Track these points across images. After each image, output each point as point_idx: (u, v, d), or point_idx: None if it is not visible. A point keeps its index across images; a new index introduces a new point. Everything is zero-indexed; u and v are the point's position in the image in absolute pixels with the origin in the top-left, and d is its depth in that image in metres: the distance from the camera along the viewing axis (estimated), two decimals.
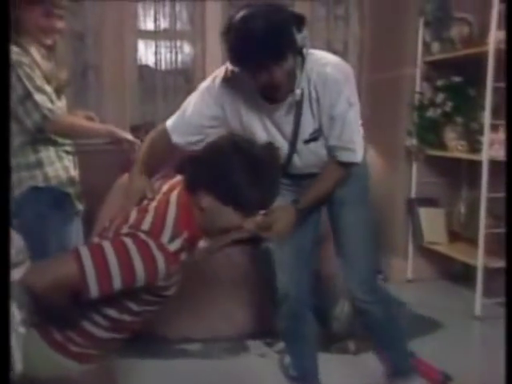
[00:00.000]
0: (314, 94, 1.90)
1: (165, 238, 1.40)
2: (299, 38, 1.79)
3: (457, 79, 3.71)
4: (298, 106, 1.91)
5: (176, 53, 4.44)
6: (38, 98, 2.14)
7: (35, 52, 2.20)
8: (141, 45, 4.41)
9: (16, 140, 2.18)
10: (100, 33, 4.16)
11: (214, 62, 4.34)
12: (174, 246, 1.41)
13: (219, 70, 2.04)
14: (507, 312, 1.56)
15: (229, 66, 1.94)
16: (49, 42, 2.25)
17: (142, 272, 1.34)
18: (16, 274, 2.05)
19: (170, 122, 2.06)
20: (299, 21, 1.81)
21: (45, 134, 2.21)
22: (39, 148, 2.23)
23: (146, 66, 4.40)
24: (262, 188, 1.45)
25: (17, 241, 2.67)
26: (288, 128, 1.96)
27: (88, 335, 1.51)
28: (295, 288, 2.24)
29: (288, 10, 1.88)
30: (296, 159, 2.04)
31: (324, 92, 1.89)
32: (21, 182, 2.21)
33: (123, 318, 1.50)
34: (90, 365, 1.58)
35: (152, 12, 4.36)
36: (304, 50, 1.88)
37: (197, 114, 2.00)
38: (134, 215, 1.50)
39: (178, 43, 4.45)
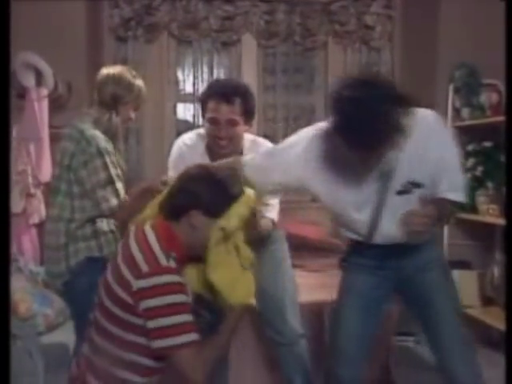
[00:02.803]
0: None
1: (163, 261, 1.57)
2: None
3: (487, 144, 3.77)
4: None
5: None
6: (119, 186, 2.32)
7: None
8: (180, 108, 4.61)
9: (83, 215, 2.33)
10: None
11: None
12: (172, 263, 1.58)
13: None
14: (507, 315, 1.57)
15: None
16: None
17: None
18: (57, 336, 2.16)
19: None
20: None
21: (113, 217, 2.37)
22: (96, 220, 2.37)
23: (185, 122, 4.57)
24: (228, 198, 1.72)
25: (57, 303, 2.81)
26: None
27: None
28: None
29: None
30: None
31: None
32: (77, 252, 2.33)
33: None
34: None
35: (191, 77, 4.56)
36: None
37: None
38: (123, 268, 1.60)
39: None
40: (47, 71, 3.52)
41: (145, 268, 1.56)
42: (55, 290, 2.93)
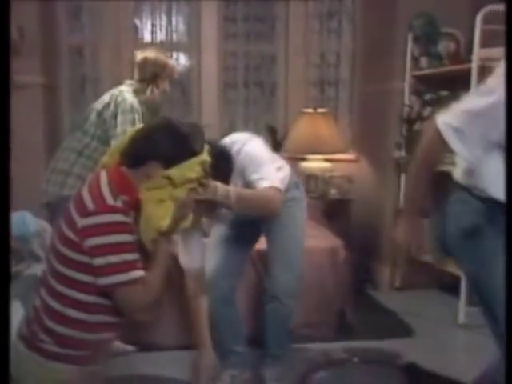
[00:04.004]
0: None
1: (109, 200, 1.58)
2: None
3: (444, 93, 3.80)
4: None
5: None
6: None
7: None
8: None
9: (93, 154, 2.79)
10: (97, 46, 4.27)
11: (209, 74, 4.47)
12: (119, 203, 1.58)
13: None
14: (507, 318, 1.63)
15: None
16: None
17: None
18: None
19: None
20: None
21: None
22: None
23: None
24: (188, 153, 1.70)
25: (15, 252, 2.79)
26: None
27: (79, 338, 1.62)
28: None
29: None
30: None
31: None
32: (73, 187, 2.68)
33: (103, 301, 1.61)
34: (88, 366, 1.68)
35: (149, 25, 4.47)
36: None
37: None
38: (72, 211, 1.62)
39: (175, 55, 4.55)
40: None
41: (90, 206, 1.56)
42: (12, 239, 2.92)
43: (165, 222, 1.66)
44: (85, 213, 1.56)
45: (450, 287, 3.70)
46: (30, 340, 1.65)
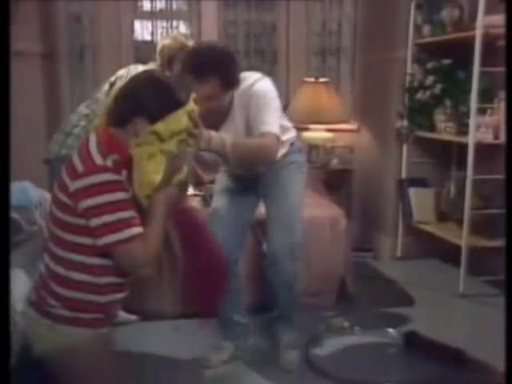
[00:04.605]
0: None
1: (98, 160, 1.56)
2: None
3: (446, 62, 3.76)
4: None
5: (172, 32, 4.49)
6: None
7: None
8: (137, 25, 4.46)
9: (94, 107, 2.90)
10: (96, 14, 4.21)
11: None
12: (108, 162, 1.56)
13: None
14: (507, 318, 1.63)
15: None
16: None
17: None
18: None
19: None
20: None
21: None
22: None
23: (143, 43, 4.46)
24: (173, 104, 1.67)
25: (15, 221, 2.80)
26: None
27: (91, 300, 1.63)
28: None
29: None
30: None
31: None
32: (71, 135, 2.87)
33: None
34: (101, 329, 1.69)
35: None
36: None
37: None
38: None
39: (174, 23, 4.49)
40: None
41: (80, 168, 1.55)
42: (12, 209, 2.93)
43: (157, 177, 1.64)
44: (75, 175, 1.55)
45: (451, 257, 3.72)
46: (39, 305, 1.65)
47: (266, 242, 2.62)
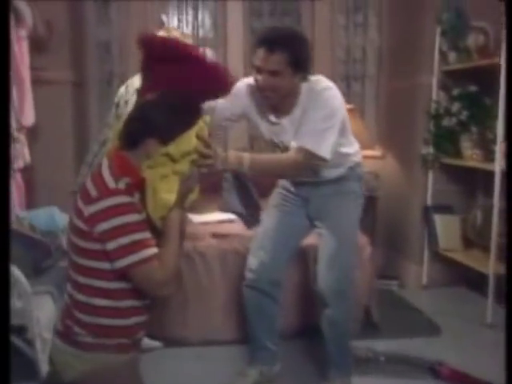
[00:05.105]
0: None
1: (111, 184, 1.59)
2: None
3: (472, 88, 3.75)
4: None
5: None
6: None
7: None
8: None
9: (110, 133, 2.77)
10: (125, 41, 4.29)
11: (235, 69, 4.45)
12: (121, 185, 1.59)
13: None
14: (507, 318, 1.61)
15: None
16: None
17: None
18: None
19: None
20: None
21: None
22: None
23: None
24: (184, 125, 1.70)
25: (44, 246, 2.84)
26: None
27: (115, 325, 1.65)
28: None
29: None
30: None
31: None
32: (93, 166, 2.76)
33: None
34: (127, 354, 1.70)
35: (176, 20, 4.49)
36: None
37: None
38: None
39: (201, 49, 4.55)
40: (26, 10, 3.42)
41: (94, 193, 1.58)
42: (41, 234, 2.97)
43: (171, 197, 1.65)
44: (89, 201, 1.57)
45: (478, 285, 3.66)
46: (64, 334, 1.67)
47: (317, 278, 2.52)
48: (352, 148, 2.52)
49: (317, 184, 2.47)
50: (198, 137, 1.73)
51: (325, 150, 2.21)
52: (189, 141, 1.68)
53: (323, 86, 2.27)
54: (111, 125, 2.89)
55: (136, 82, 2.82)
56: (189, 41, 2.90)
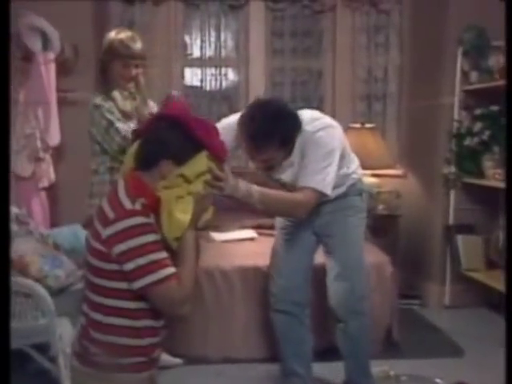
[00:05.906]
0: None
1: (128, 205, 1.60)
2: None
3: (494, 108, 3.74)
4: None
5: (221, 79, 4.63)
6: (119, 125, 2.62)
7: (117, 95, 2.74)
8: (187, 72, 4.61)
9: (104, 167, 2.70)
10: (149, 62, 4.35)
11: (256, 89, 4.51)
12: (137, 206, 1.61)
13: None
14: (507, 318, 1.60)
15: None
16: (129, 86, 2.78)
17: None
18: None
19: None
20: None
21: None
22: (113, 172, 2.63)
23: (192, 88, 4.60)
24: (197, 146, 1.70)
25: (68, 264, 2.88)
26: None
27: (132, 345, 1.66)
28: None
29: None
30: None
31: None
32: (92, 195, 2.70)
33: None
34: (144, 373, 1.70)
35: (198, 40, 4.56)
36: None
37: None
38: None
39: (223, 70, 4.62)
40: (54, 35, 3.52)
41: (111, 215, 1.59)
42: (65, 252, 3.01)
43: (186, 218, 1.67)
44: (107, 223, 1.59)
45: (500, 306, 3.62)
46: (81, 355, 1.68)
47: (327, 294, 2.55)
48: (351, 167, 2.54)
49: (318, 204, 2.46)
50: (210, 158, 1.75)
51: (328, 187, 2.28)
52: (202, 161, 1.70)
53: (317, 127, 2.31)
54: (95, 151, 2.76)
55: (94, 99, 2.73)
56: (139, 43, 2.79)
